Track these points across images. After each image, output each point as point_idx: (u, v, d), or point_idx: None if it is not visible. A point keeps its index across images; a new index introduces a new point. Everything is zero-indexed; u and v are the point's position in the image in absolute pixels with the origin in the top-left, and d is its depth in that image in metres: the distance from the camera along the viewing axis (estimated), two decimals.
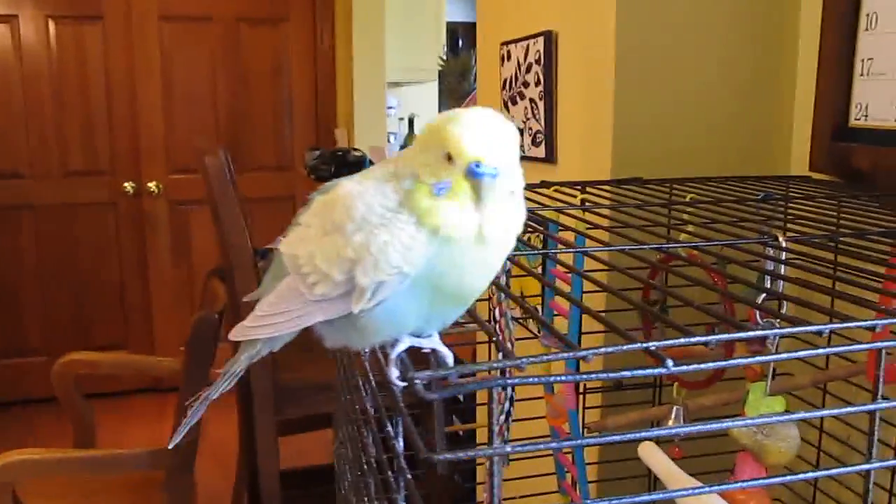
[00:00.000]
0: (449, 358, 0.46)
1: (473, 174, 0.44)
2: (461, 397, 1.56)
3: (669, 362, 0.35)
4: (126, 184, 3.63)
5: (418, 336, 0.48)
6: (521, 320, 1.36)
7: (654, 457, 0.68)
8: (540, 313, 0.89)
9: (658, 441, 0.77)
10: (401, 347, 0.47)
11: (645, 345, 0.37)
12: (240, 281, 1.90)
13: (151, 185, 3.64)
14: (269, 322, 0.49)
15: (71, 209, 3.60)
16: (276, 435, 2.03)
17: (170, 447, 0.55)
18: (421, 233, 0.44)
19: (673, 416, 0.87)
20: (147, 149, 3.64)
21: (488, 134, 0.45)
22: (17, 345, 3.61)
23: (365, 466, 0.58)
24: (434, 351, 0.47)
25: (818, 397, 0.99)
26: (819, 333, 0.39)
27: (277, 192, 3.82)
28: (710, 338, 0.37)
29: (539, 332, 1.05)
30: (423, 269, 0.45)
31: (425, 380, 0.37)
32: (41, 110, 3.50)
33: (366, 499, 0.58)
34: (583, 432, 1.00)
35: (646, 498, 0.39)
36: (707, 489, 0.45)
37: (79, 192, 3.60)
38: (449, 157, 0.45)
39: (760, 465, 0.65)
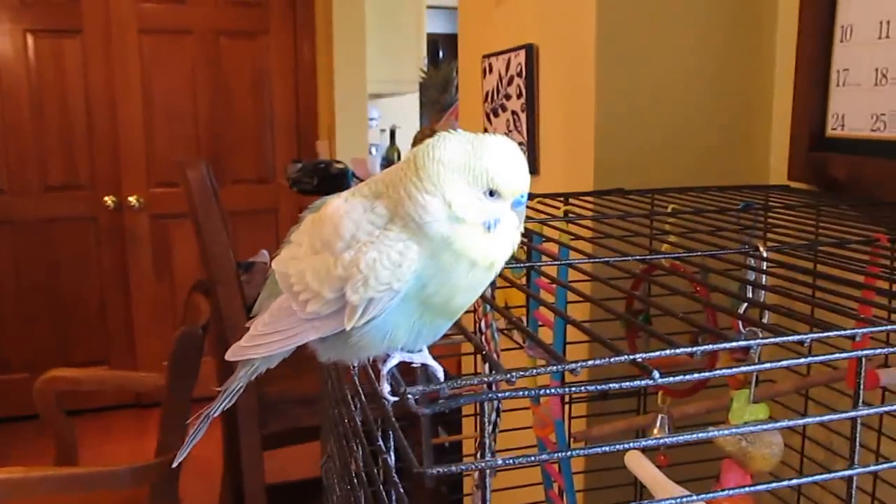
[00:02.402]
0: (439, 372, 0.47)
1: (519, 205, 0.48)
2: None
3: (656, 374, 0.35)
4: (107, 198, 3.61)
5: (409, 351, 0.49)
6: (505, 331, 1.36)
7: (640, 466, 0.69)
8: (525, 324, 0.90)
9: (644, 450, 0.78)
10: (392, 363, 0.47)
11: (631, 356, 0.37)
12: (222, 295, 1.89)
13: (132, 198, 3.62)
14: (264, 341, 0.50)
15: (51, 224, 3.57)
16: (261, 449, 2.02)
17: (174, 465, 0.55)
18: (410, 249, 0.45)
19: (658, 424, 0.88)
20: (127, 162, 3.62)
21: (520, 164, 0.48)
22: None
23: (355, 480, 0.58)
24: (424, 365, 0.48)
25: (800, 403, 1.01)
26: (801, 343, 0.39)
27: (259, 204, 3.81)
28: (694, 348, 0.38)
29: (524, 342, 1.06)
30: (413, 286, 0.45)
31: (417, 395, 0.38)
32: (20, 124, 3.47)
33: None
34: (569, 442, 1.01)
35: None
36: (695, 498, 0.45)
37: (59, 207, 3.57)
38: (491, 193, 0.46)
39: (745, 472, 0.66)
